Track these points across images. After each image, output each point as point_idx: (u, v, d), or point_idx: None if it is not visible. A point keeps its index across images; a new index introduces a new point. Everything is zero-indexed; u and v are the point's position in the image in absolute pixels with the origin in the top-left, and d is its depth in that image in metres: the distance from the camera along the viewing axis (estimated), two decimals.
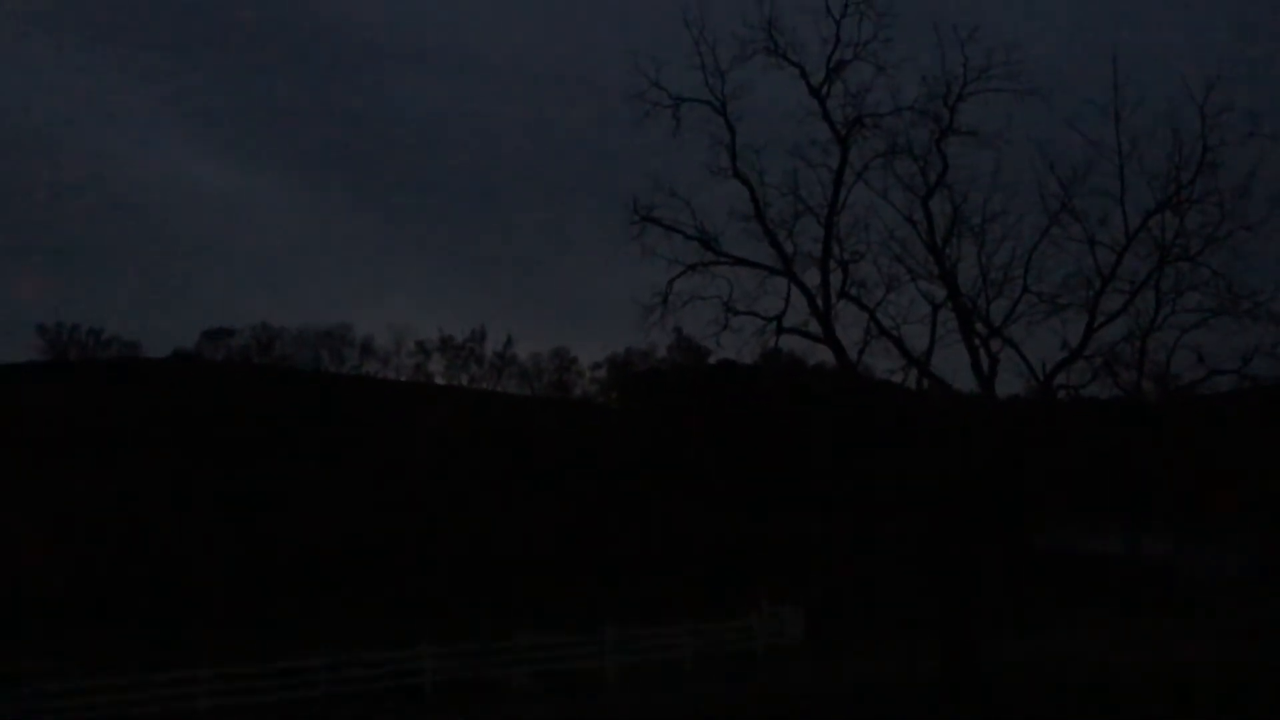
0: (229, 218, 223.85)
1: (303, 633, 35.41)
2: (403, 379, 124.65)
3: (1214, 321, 20.32)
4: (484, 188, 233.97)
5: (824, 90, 21.28)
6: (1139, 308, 20.65)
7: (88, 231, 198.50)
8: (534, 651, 30.06)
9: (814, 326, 21.83)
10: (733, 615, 34.96)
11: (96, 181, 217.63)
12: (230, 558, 50.20)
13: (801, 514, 65.91)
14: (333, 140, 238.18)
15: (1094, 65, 21.88)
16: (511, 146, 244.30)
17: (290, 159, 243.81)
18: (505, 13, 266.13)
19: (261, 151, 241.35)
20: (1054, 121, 20.57)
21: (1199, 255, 20.13)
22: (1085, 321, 20.74)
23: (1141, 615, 41.59)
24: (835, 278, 21.63)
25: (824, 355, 22.89)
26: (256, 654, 28.83)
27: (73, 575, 45.75)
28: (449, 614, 40.28)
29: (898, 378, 22.83)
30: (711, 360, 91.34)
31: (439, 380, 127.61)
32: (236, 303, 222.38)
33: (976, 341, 21.18)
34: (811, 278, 21.69)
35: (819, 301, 21.46)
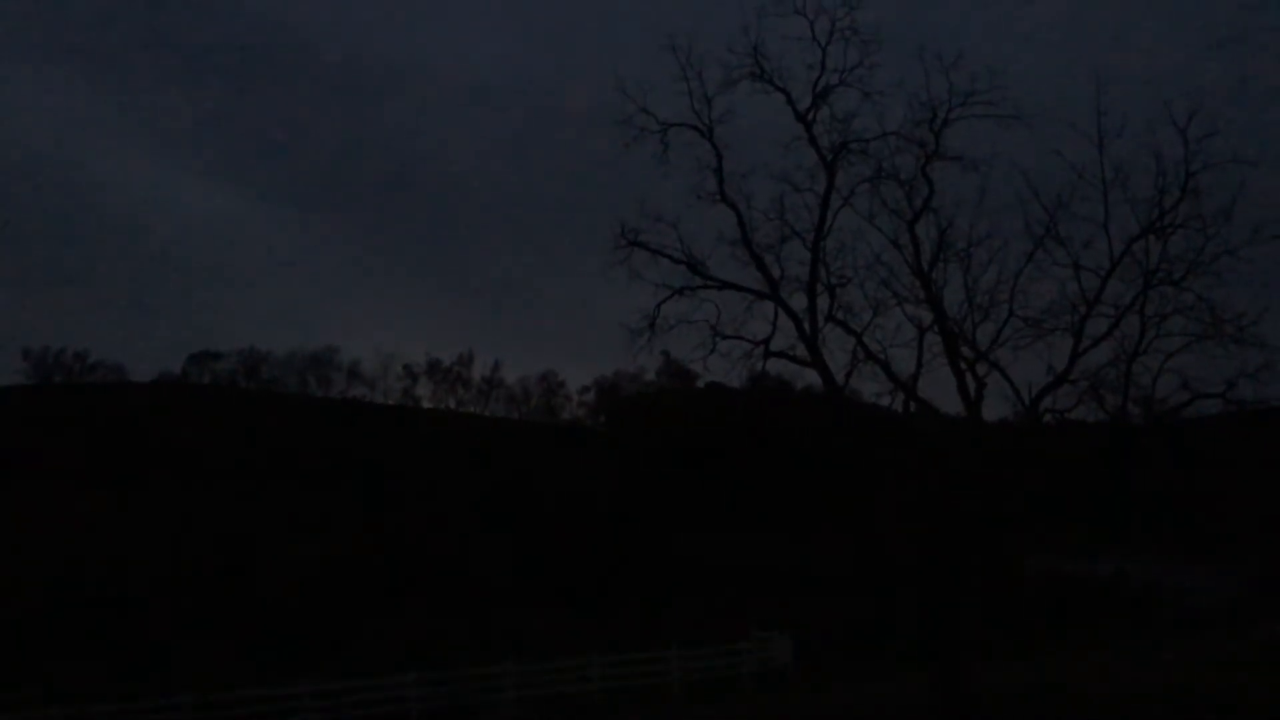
0: (216, 241, 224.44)
1: (287, 659, 35.06)
2: (390, 403, 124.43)
3: (1199, 346, 20.38)
4: (472, 211, 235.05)
5: (810, 116, 21.42)
6: (1124, 332, 20.73)
7: (73, 254, 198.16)
8: (520, 678, 29.86)
9: (801, 350, 21.87)
10: (721, 641, 34.78)
11: (83, 204, 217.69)
12: (213, 583, 49.81)
13: (791, 538, 65.83)
14: (321, 164, 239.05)
15: (1078, 90, 22.08)
16: (500, 170, 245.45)
17: (278, 182, 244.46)
18: (494, 38, 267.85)
19: (249, 175, 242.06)
20: (1039, 146, 20.73)
21: (1183, 280, 20.23)
22: (1071, 346, 20.81)
23: (1131, 638, 41.55)
24: (822, 302, 21.69)
25: (811, 379, 22.95)
26: (240, 680, 28.58)
27: (53, 599, 45.33)
28: (435, 641, 40.00)
29: (885, 401, 22.87)
30: (700, 383, 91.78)
31: (426, 404, 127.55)
32: (223, 326, 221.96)
33: (963, 365, 21.22)
34: (798, 302, 21.76)
35: (806, 325, 21.50)
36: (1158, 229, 20.28)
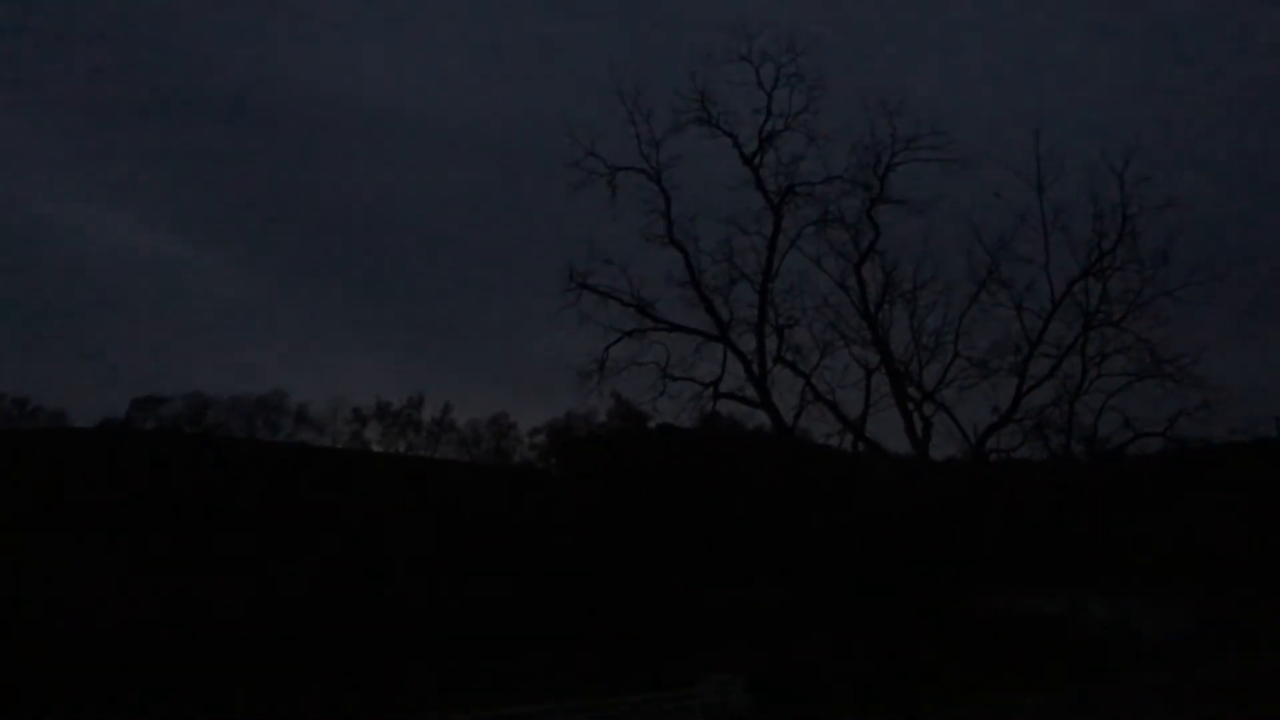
0: (160, 284, 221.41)
1: (234, 710, 34.27)
2: (339, 447, 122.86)
3: (1139, 385, 20.82)
4: (421, 254, 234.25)
5: (757, 160, 21.81)
6: (1066, 372, 21.19)
7: (12, 297, 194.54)
8: None
9: (750, 391, 22.02)
10: (676, 686, 34.40)
11: (22, 246, 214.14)
12: (159, 633, 48.65)
13: (745, 579, 65.65)
14: (267, 205, 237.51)
15: (1019, 136, 22.58)
16: (449, 213, 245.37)
17: (223, 224, 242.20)
18: (442, 81, 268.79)
19: (192, 216, 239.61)
20: (981, 191, 21.17)
21: (1122, 321, 20.71)
22: (1015, 386, 21.17)
23: (1079, 678, 41.72)
24: (771, 343, 21.95)
25: (762, 419, 23.05)
26: None
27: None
28: (380, 689, 39.34)
29: (834, 441, 23.03)
30: (652, 424, 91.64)
31: (376, 448, 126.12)
32: (168, 370, 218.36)
33: (910, 405, 21.49)
34: (747, 343, 21.96)
35: (755, 367, 21.68)
36: (1097, 271, 20.79)
